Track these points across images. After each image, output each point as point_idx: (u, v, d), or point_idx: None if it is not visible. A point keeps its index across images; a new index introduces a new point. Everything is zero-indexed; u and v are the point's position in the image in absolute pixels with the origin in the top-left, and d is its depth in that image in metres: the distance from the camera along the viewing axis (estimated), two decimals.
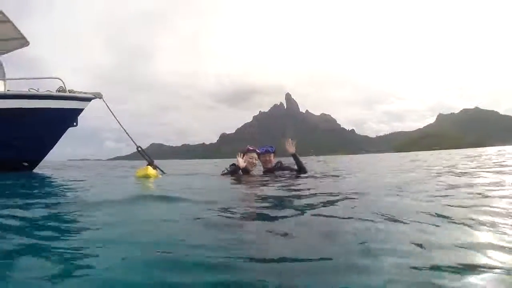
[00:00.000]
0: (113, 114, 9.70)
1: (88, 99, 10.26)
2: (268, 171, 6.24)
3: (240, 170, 6.02)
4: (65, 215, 2.65)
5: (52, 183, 6.19)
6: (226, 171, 6.31)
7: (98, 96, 10.23)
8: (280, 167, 6.24)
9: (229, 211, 2.65)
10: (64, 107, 9.88)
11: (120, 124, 9.52)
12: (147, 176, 6.02)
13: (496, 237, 1.66)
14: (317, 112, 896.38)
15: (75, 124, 10.39)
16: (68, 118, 10.14)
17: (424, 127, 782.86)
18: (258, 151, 6.23)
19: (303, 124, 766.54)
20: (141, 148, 8.62)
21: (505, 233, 1.72)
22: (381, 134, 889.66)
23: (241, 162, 5.92)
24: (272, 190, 4.20)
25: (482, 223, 1.96)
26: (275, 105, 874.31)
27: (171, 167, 13.52)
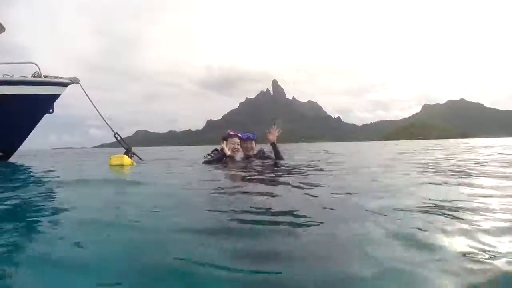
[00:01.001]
0: (90, 100, 9.40)
1: (65, 85, 9.86)
2: (249, 157, 6.19)
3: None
4: (26, 207, 2.54)
5: (21, 175, 5.82)
6: (209, 158, 6.13)
7: (74, 81, 9.83)
8: (261, 156, 6.21)
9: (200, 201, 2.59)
10: (39, 93, 9.45)
11: (97, 110, 9.26)
12: (121, 165, 5.74)
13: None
14: (303, 100, 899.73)
15: (51, 110, 9.97)
16: (44, 104, 9.72)
17: (409, 116, 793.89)
18: (240, 135, 6.11)
19: (290, 111, 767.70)
20: (118, 134, 8.41)
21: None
22: (367, 122, 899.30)
23: (227, 150, 5.79)
24: (258, 179, 4.02)
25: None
26: (261, 92, 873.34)
27: (153, 154, 13.26)
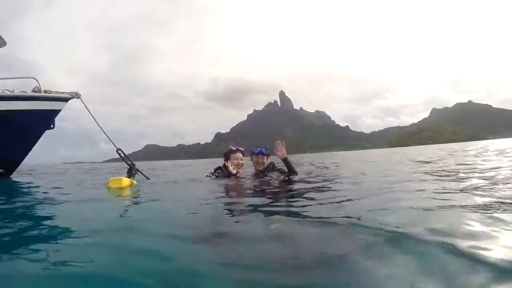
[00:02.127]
0: (91, 114, 9.01)
1: (65, 99, 9.51)
2: (260, 171, 5.77)
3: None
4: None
5: (12, 195, 5.41)
6: (213, 177, 5.63)
7: (75, 96, 9.47)
8: (272, 168, 5.81)
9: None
10: (40, 108, 9.10)
11: (99, 125, 8.85)
12: (121, 189, 5.21)
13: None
14: (311, 109, 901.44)
15: (52, 126, 9.60)
16: (44, 120, 9.36)
17: (418, 121, 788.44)
18: (242, 149, 5.73)
19: (298, 122, 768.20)
20: (121, 150, 7.97)
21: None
22: (376, 129, 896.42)
23: (231, 168, 5.40)
24: (264, 197, 3.66)
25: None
26: (269, 103, 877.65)
27: (159, 170, 12.84)
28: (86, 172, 13.40)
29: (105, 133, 8.79)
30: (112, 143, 8.53)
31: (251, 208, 2.82)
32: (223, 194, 3.87)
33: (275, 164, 5.87)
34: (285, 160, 5.48)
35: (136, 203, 3.62)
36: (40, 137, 9.73)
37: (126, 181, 5.28)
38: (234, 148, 5.66)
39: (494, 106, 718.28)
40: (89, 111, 9.12)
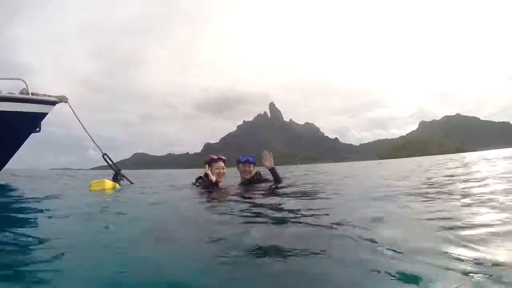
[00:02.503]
0: (78, 119, 9.01)
1: (53, 103, 9.49)
2: (246, 182, 5.79)
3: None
4: None
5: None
6: (193, 187, 5.69)
7: (63, 99, 9.47)
8: (258, 179, 5.85)
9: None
10: (26, 110, 9.04)
11: (85, 130, 8.87)
12: (104, 191, 5.21)
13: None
14: (301, 121, 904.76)
15: (38, 129, 9.53)
16: (31, 122, 9.29)
17: (407, 134, 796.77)
18: (223, 157, 5.65)
19: (287, 133, 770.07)
20: (106, 155, 8.00)
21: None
22: (365, 142, 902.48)
23: (212, 176, 5.31)
24: (249, 205, 3.67)
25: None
26: (259, 115, 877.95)
27: (145, 178, 12.80)
28: (70, 178, 13.26)
29: (91, 138, 8.79)
30: (98, 148, 8.53)
31: (229, 217, 2.85)
32: (202, 202, 3.93)
33: (262, 174, 5.90)
34: (272, 170, 5.62)
35: (113, 207, 3.67)
36: (25, 140, 9.64)
37: (108, 183, 5.30)
38: (215, 157, 5.57)
39: (481, 118, 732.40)
40: (76, 116, 9.13)
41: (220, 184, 5.47)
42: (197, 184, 5.64)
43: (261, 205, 3.50)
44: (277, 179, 5.64)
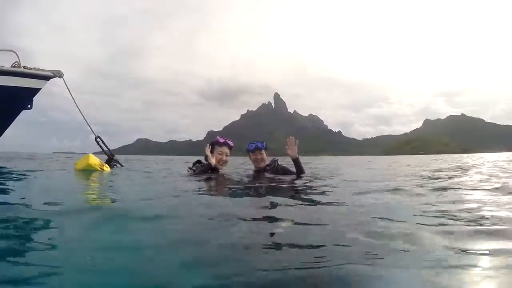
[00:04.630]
0: (72, 97, 8.41)
1: (46, 78, 8.78)
2: (261, 170, 5.14)
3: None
4: None
5: None
6: (191, 172, 4.95)
7: (57, 74, 8.77)
8: (275, 167, 5.15)
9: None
10: (17, 85, 8.35)
11: (79, 110, 8.26)
12: (89, 167, 4.57)
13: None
14: (305, 113, 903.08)
15: (29, 106, 8.82)
16: (21, 99, 8.57)
17: (410, 131, 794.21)
18: (231, 143, 4.91)
19: (291, 124, 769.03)
20: (100, 138, 7.42)
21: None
22: (368, 137, 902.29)
23: (212, 159, 4.58)
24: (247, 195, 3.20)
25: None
26: (263, 104, 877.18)
27: (143, 163, 12.23)
28: (67, 159, 12.72)
29: (84, 119, 8.23)
30: (92, 130, 7.98)
31: (237, 210, 2.41)
32: (194, 192, 3.34)
33: (279, 162, 5.25)
34: (296, 160, 4.94)
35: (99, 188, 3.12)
36: (15, 117, 8.97)
37: (93, 158, 4.63)
38: (221, 140, 4.83)
39: (486, 120, 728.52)
40: (70, 92, 8.53)
41: (221, 171, 4.78)
42: (194, 168, 4.94)
43: (269, 198, 2.92)
44: (300, 171, 4.97)
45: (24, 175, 4.76)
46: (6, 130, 9.15)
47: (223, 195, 3.21)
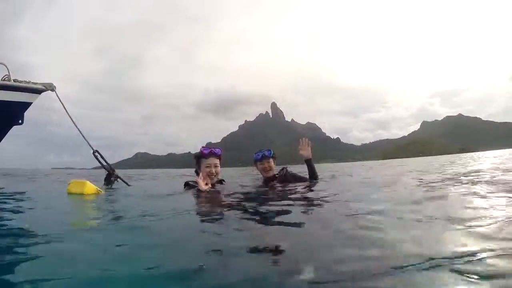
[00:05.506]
0: (66, 110, 7.82)
1: (38, 91, 8.19)
2: (270, 180, 4.79)
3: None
4: None
5: None
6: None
7: (49, 87, 8.17)
8: (285, 175, 4.81)
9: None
10: (7, 99, 7.77)
11: (74, 123, 7.70)
12: (82, 194, 3.97)
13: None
14: (302, 121, 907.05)
15: (20, 121, 8.19)
16: (12, 113, 7.96)
17: (408, 134, 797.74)
18: (217, 151, 4.13)
19: (289, 133, 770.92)
20: (98, 152, 6.85)
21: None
22: (366, 142, 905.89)
23: (202, 184, 3.70)
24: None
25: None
26: (260, 114, 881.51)
27: (141, 179, 11.69)
28: (67, 178, 12.14)
29: (80, 133, 7.64)
30: (88, 144, 7.41)
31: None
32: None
33: (288, 170, 4.91)
34: (308, 161, 4.69)
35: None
36: (6, 133, 8.35)
37: (90, 187, 4.04)
38: (206, 151, 4.05)
39: (483, 119, 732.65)
40: (63, 106, 7.94)
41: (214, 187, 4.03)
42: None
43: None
44: (313, 174, 4.71)
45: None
46: (2, 146, 8.58)
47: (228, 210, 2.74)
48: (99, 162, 6.80)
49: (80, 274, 1.28)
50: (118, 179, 6.74)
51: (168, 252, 1.60)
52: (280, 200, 3.26)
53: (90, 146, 7.18)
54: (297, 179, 4.77)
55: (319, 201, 3.09)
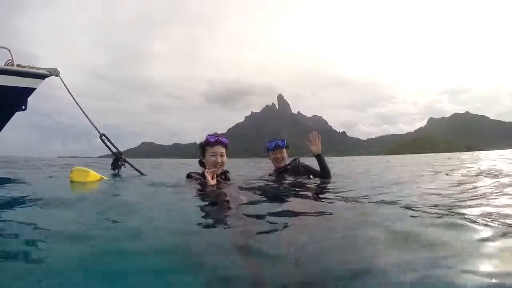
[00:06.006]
0: (71, 94, 7.66)
1: (42, 76, 8.02)
2: (282, 171, 4.75)
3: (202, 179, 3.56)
4: None
5: None
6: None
7: (53, 73, 8.01)
8: (297, 166, 4.70)
9: None
10: (10, 84, 7.63)
11: (80, 107, 7.54)
12: (84, 181, 3.79)
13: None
14: (309, 114, 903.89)
15: (24, 107, 8.06)
16: (15, 99, 7.83)
17: (415, 130, 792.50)
18: (225, 140, 3.84)
19: (295, 125, 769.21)
20: (105, 136, 6.72)
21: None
22: (372, 137, 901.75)
23: (209, 177, 3.47)
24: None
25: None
26: (267, 106, 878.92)
27: (157, 167, 11.59)
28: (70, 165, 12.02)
29: (86, 116, 7.48)
30: (95, 127, 7.28)
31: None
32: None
33: (301, 161, 4.79)
34: (318, 157, 4.43)
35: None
36: (9, 119, 8.20)
37: (93, 175, 3.88)
38: (212, 139, 3.76)
39: (491, 118, 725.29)
40: (68, 90, 7.76)
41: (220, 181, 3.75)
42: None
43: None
44: (324, 168, 4.43)
45: None
46: (7, 134, 8.45)
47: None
48: (107, 146, 6.67)
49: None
50: (125, 164, 6.62)
51: (172, 252, 1.48)
52: (292, 197, 3.03)
53: (97, 129, 7.05)
54: (310, 171, 4.62)
55: (338, 200, 2.83)
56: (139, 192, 3.67)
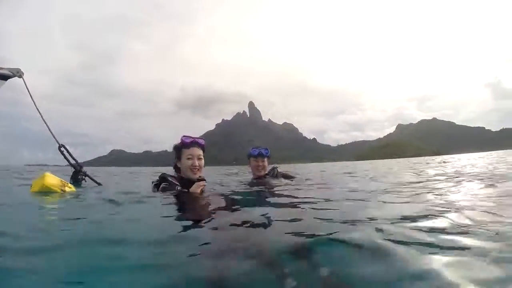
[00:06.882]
0: (32, 99, 7.19)
1: (4, 78, 7.54)
2: (260, 178, 4.77)
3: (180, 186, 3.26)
4: None
5: None
6: (156, 190, 3.37)
7: (16, 73, 7.53)
8: (275, 175, 4.86)
9: None
10: None
11: (40, 114, 7.07)
12: (46, 189, 3.47)
13: None
14: (279, 121, 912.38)
15: None
16: None
17: (384, 136, 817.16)
18: (201, 142, 3.54)
19: (266, 133, 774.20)
20: (64, 147, 6.31)
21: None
22: (342, 143, 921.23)
23: (197, 189, 3.17)
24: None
25: None
26: (238, 114, 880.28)
27: (113, 177, 11.11)
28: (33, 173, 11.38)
29: (46, 125, 7.01)
30: (54, 138, 6.84)
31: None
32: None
33: (278, 170, 4.98)
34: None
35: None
36: None
37: (49, 178, 3.54)
38: (188, 140, 3.47)
39: (457, 123, 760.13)
40: (30, 95, 7.30)
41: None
42: (160, 190, 3.32)
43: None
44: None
45: None
46: None
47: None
48: (65, 157, 6.29)
49: None
50: (86, 177, 6.21)
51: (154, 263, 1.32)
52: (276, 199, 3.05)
53: (56, 140, 6.64)
54: (288, 178, 4.78)
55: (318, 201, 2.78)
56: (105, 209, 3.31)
